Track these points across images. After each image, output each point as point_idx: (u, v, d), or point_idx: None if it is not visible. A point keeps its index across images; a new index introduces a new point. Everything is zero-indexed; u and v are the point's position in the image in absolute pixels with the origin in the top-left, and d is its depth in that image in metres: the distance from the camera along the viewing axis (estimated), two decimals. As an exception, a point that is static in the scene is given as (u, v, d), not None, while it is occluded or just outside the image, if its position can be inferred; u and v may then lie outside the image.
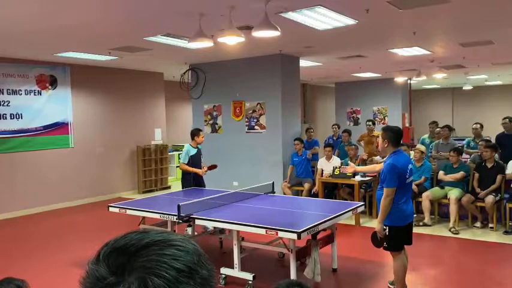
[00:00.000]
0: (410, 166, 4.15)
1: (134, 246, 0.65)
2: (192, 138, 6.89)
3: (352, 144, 8.59)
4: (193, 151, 6.83)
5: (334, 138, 9.88)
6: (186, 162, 6.75)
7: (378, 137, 9.70)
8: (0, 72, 8.36)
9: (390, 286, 4.58)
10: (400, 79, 13.50)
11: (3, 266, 5.49)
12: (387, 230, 4.06)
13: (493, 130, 9.88)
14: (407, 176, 4.06)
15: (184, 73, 10.03)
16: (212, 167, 6.89)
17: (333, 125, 10.37)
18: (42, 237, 7.03)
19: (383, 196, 4.02)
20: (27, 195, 8.73)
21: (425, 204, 7.00)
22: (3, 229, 7.60)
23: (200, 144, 7.02)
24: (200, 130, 7.04)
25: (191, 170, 6.69)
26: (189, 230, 5.89)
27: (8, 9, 5.07)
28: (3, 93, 8.41)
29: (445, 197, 7.03)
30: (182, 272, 0.63)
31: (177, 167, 12.49)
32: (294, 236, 3.98)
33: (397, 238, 4.09)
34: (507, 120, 7.76)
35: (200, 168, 6.81)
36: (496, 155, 7.21)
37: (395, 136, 4.09)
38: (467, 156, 8.12)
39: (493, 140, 7.99)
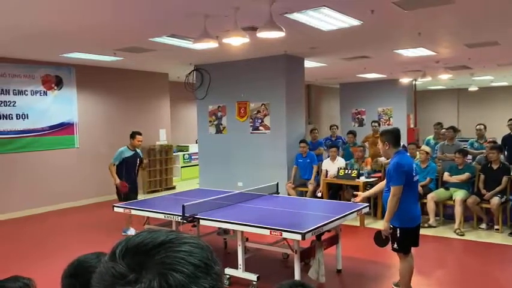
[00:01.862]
0: (414, 165, 4.18)
1: (150, 244, 0.67)
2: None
3: (359, 146, 8.56)
4: (129, 153, 6.82)
5: (333, 138, 9.87)
6: (114, 163, 6.68)
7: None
8: (6, 73, 8.42)
9: (395, 287, 4.57)
10: (405, 80, 13.45)
11: (6, 265, 5.52)
12: (398, 232, 4.04)
13: (498, 131, 9.83)
14: (413, 174, 4.08)
15: (189, 74, 10.06)
16: (123, 186, 6.62)
17: (332, 126, 10.36)
18: (46, 236, 7.06)
19: (390, 195, 4.01)
20: (32, 195, 8.77)
21: (430, 206, 6.98)
22: (8, 228, 7.65)
23: (139, 148, 6.96)
24: (138, 133, 6.89)
25: (112, 174, 6.64)
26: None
27: (14, 12, 5.11)
28: (9, 94, 8.46)
29: (450, 198, 7.00)
30: (199, 268, 0.65)
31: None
32: (299, 237, 3.98)
33: (406, 240, 4.09)
34: (513, 121, 7.73)
35: (133, 173, 6.84)
36: (502, 156, 7.18)
37: (393, 136, 4.10)
38: (470, 157, 8.08)
39: (499, 142, 7.95)
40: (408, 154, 5.03)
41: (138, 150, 7.02)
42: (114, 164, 6.70)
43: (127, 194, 6.65)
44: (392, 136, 4.09)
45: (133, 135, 6.88)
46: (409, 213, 4.04)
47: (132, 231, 6.60)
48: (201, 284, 0.64)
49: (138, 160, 6.99)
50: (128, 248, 0.67)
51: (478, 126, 8.21)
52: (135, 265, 0.64)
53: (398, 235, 4.05)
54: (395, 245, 4.11)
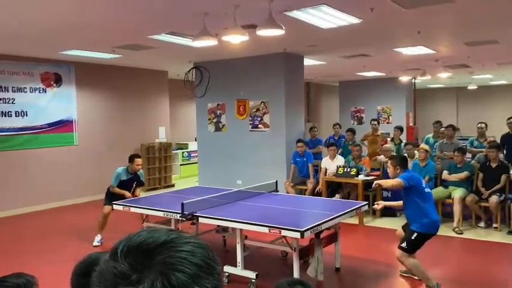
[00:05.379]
0: (422, 180, 4.61)
1: (152, 244, 0.66)
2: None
3: (357, 144, 8.56)
4: (126, 176, 6.32)
5: (336, 137, 9.87)
6: (114, 185, 6.29)
7: (385, 147, 9.71)
8: (6, 70, 8.40)
9: (404, 274, 4.80)
10: (404, 78, 13.46)
11: (5, 262, 5.52)
12: (414, 236, 4.32)
13: (497, 130, 9.83)
14: (423, 186, 4.45)
15: (188, 71, 10.04)
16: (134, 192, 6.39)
17: (334, 125, 10.35)
18: (44, 234, 7.05)
19: (394, 180, 4.48)
20: (30, 192, 8.76)
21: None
22: (6, 226, 7.64)
23: (139, 171, 6.41)
24: (136, 156, 6.40)
25: (119, 192, 6.26)
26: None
27: (12, 9, 5.10)
28: (8, 91, 8.45)
29: (449, 196, 7.00)
30: (201, 268, 0.65)
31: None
32: (297, 235, 3.98)
33: (420, 244, 4.40)
34: (512, 120, 7.72)
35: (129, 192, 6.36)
36: (501, 155, 7.18)
37: (402, 161, 4.63)
38: (469, 155, 8.08)
39: (498, 140, 7.94)
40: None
41: (139, 173, 6.48)
42: (114, 187, 6.32)
43: None
44: (401, 161, 4.62)
45: (131, 159, 6.34)
46: (433, 222, 4.37)
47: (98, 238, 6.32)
48: (203, 284, 0.64)
49: (135, 183, 6.46)
50: (130, 248, 0.66)
51: (479, 125, 8.18)
52: (137, 265, 0.64)
53: (413, 238, 4.32)
54: (404, 244, 4.35)
